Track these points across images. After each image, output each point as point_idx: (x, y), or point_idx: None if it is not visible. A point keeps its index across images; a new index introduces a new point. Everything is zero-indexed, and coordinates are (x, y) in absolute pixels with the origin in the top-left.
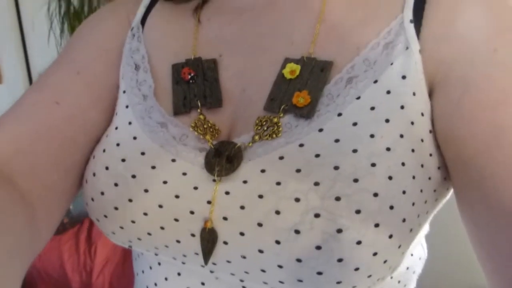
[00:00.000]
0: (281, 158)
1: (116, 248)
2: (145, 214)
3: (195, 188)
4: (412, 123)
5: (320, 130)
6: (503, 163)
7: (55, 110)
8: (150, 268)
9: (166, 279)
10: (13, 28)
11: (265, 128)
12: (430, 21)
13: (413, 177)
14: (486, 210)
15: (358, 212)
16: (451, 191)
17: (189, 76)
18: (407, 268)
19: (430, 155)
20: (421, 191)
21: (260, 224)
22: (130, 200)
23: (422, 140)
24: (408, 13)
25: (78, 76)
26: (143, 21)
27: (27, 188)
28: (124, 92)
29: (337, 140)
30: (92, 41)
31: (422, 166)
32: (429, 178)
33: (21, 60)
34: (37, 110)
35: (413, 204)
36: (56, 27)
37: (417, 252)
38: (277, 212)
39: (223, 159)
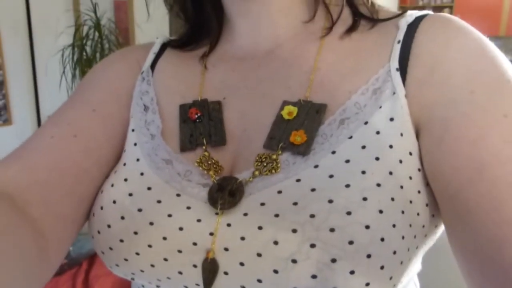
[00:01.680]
0: (279, 192)
1: None
2: (150, 246)
3: (198, 220)
4: (401, 161)
5: (316, 166)
6: (486, 195)
7: (73, 143)
8: None
9: None
10: (26, 71)
11: (265, 165)
12: (414, 69)
13: (402, 212)
14: (473, 241)
15: (351, 243)
16: (440, 229)
17: (196, 116)
18: None
19: (419, 192)
20: (410, 225)
21: (259, 254)
22: (136, 233)
23: (410, 178)
24: (394, 63)
25: (94, 113)
26: (152, 66)
27: (40, 217)
28: (133, 130)
29: (331, 176)
30: (104, 82)
31: (410, 202)
32: (418, 214)
33: (31, 103)
34: (55, 142)
35: (403, 237)
36: (68, 73)
37: None
38: (275, 243)
39: (225, 193)
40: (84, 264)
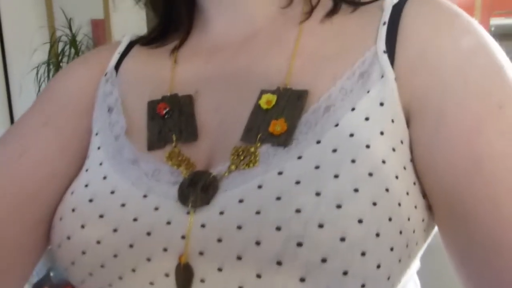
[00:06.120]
0: (259, 187)
1: None
2: (115, 256)
3: (168, 223)
4: (394, 149)
5: (299, 157)
6: (482, 194)
7: (18, 163)
8: None
9: None
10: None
11: (242, 158)
12: (403, 52)
13: (399, 204)
14: (468, 242)
15: (342, 239)
16: None
17: (164, 111)
18: None
19: (414, 183)
20: (408, 219)
21: (239, 257)
22: (99, 242)
23: (404, 168)
24: (381, 44)
25: (45, 127)
26: (117, 66)
27: None
28: (96, 134)
29: (317, 167)
30: (63, 89)
31: (407, 193)
32: (415, 207)
33: (6, 123)
34: (0, 166)
35: (401, 232)
36: None
37: None
38: (257, 243)
39: (197, 188)
40: None
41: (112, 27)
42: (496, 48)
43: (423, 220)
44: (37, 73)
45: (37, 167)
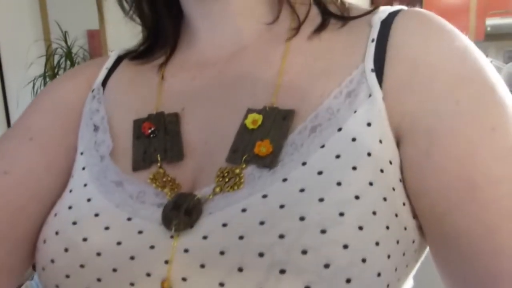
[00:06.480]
0: (243, 210)
1: None
2: (99, 280)
3: (152, 247)
4: (382, 170)
5: (284, 180)
6: (477, 221)
7: (3, 180)
8: None
9: None
10: None
11: (227, 180)
12: (392, 70)
13: (387, 227)
14: (462, 265)
15: (326, 266)
16: None
17: (150, 131)
18: None
19: (404, 204)
20: (398, 242)
21: (222, 284)
22: (82, 266)
23: (393, 189)
24: (369, 63)
25: (31, 143)
26: (105, 82)
27: None
28: (81, 153)
29: (302, 190)
30: (49, 105)
31: (396, 215)
32: (405, 228)
33: None
34: None
35: (389, 256)
36: None
37: None
38: (240, 270)
39: (181, 212)
40: None
41: (108, 37)
42: (486, 65)
43: (413, 242)
44: (33, 86)
45: (21, 184)
